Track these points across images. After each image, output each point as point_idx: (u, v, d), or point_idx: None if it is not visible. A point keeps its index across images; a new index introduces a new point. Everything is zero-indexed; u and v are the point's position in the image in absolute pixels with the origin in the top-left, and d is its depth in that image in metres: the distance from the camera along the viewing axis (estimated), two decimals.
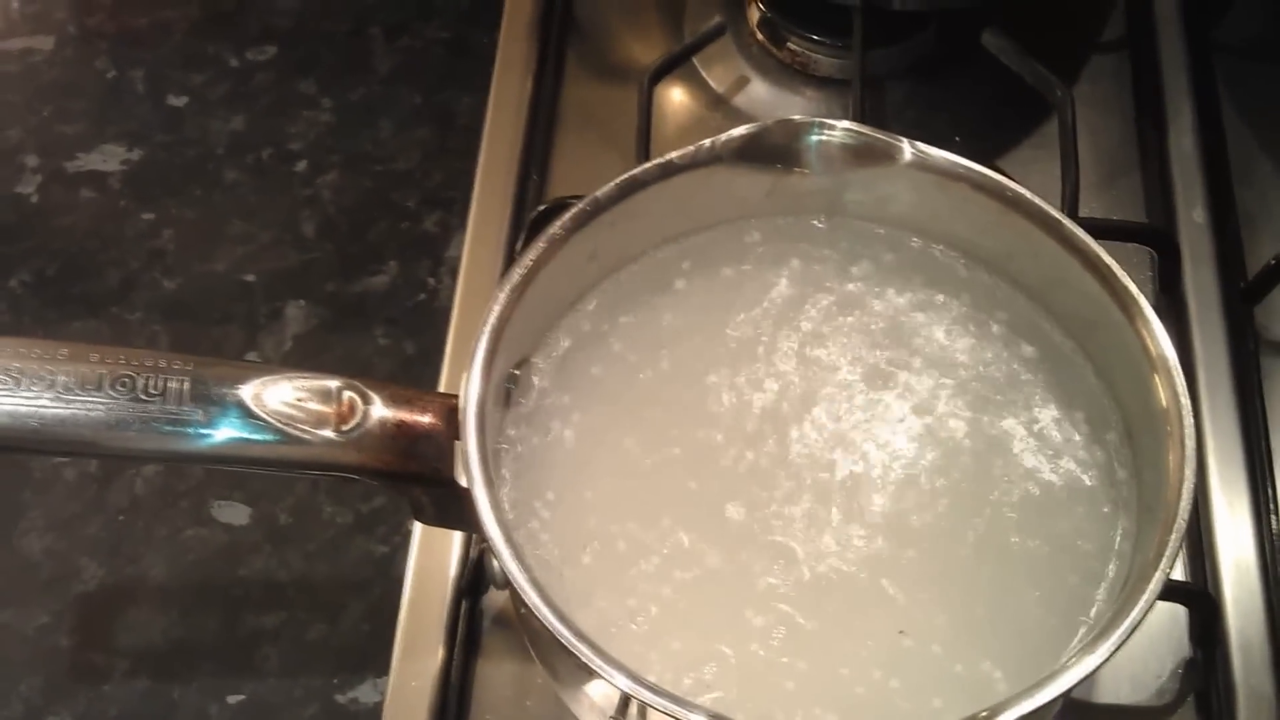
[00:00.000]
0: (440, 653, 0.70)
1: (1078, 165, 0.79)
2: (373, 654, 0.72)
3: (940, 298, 0.66)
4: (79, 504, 0.78)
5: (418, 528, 0.74)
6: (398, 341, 0.83)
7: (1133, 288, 0.58)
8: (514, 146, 0.87)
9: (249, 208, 0.89)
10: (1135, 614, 0.51)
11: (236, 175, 0.90)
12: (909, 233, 0.67)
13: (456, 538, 0.73)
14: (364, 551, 0.77)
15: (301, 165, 0.90)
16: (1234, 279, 0.80)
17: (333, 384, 0.57)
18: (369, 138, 0.92)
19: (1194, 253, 0.80)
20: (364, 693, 0.72)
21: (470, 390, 0.57)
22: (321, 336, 0.84)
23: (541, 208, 0.79)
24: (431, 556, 0.73)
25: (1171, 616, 0.72)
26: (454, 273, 0.83)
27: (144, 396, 0.54)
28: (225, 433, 0.55)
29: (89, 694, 0.73)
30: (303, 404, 0.56)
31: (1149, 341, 0.57)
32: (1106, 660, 0.50)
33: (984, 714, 0.49)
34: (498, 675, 0.72)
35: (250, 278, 0.86)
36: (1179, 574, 0.73)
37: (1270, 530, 0.72)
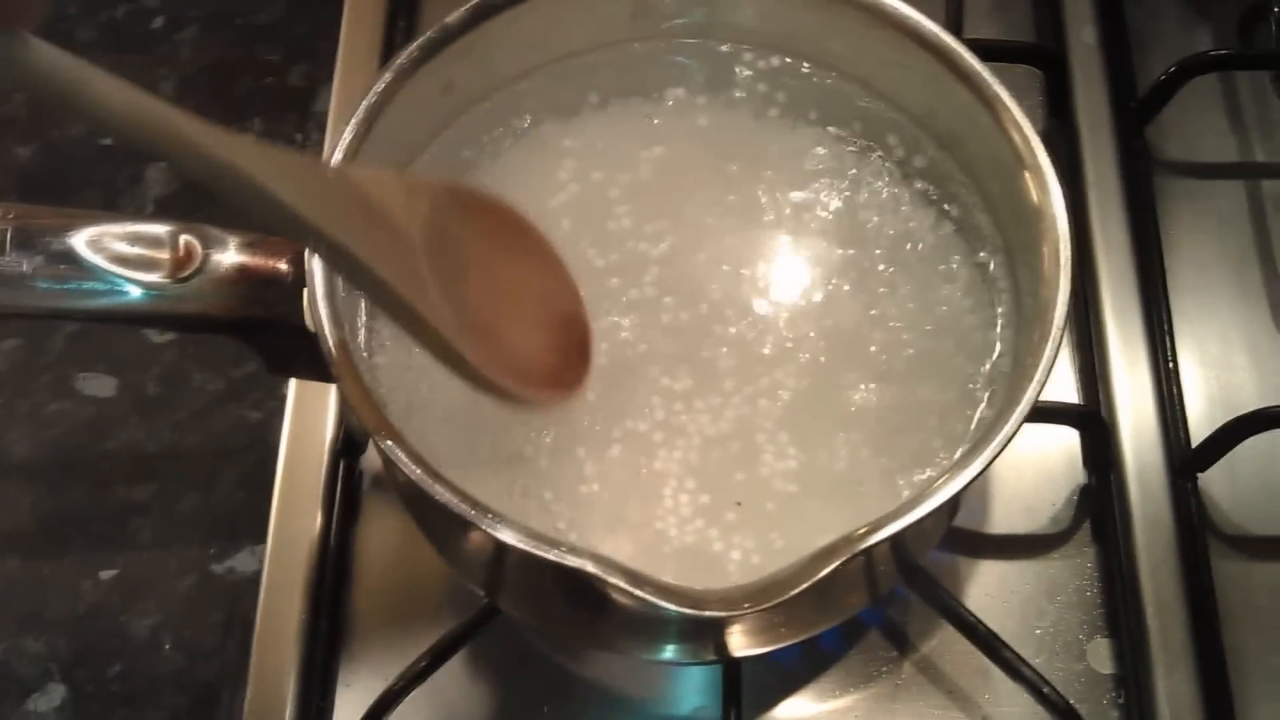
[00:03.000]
0: (319, 517, 0.68)
1: None
2: (249, 522, 0.70)
3: (814, 117, 0.64)
4: None
5: (292, 391, 0.71)
6: None
7: (1000, 89, 0.55)
8: None
9: (104, 68, 0.84)
10: (1009, 426, 0.49)
11: (90, 35, 0.85)
12: (779, 53, 0.63)
13: (332, 399, 0.71)
14: (236, 418, 0.74)
15: (158, 22, 0.86)
16: (1125, 99, 0.78)
17: (165, 230, 0.54)
18: None
19: (1084, 73, 0.78)
20: (241, 561, 0.70)
21: None
22: (185, 198, 0.80)
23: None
24: (306, 419, 0.70)
25: (1065, 443, 0.70)
26: (322, 127, 0.79)
27: None
28: (52, 284, 0.52)
29: None
30: (137, 251, 0.53)
31: (1017, 141, 0.54)
32: (979, 474, 0.48)
33: (861, 530, 0.47)
34: (378, 537, 0.70)
35: (107, 141, 0.81)
36: (1072, 397, 0.71)
37: (1165, 350, 0.70)
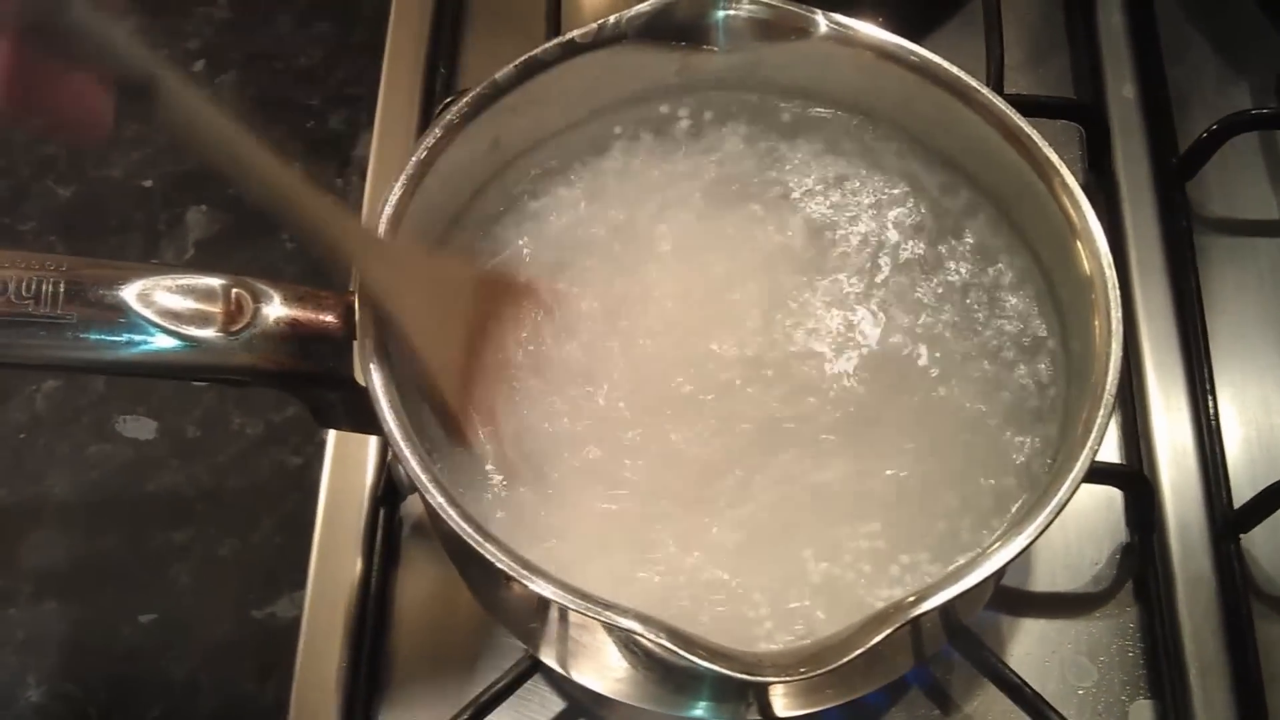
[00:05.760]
0: (358, 563, 0.68)
1: (1002, 41, 0.77)
2: (288, 567, 0.70)
3: (863, 172, 0.64)
4: None
5: (332, 435, 0.71)
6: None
7: (1052, 155, 0.55)
8: (420, 39, 0.83)
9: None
10: (1062, 494, 0.49)
11: None
12: (827, 108, 0.64)
13: (373, 444, 0.71)
14: (276, 462, 0.74)
15: (199, 65, 0.86)
16: (1165, 156, 0.78)
17: (218, 283, 0.54)
18: (268, 34, 0.87)
19: (1124, 129, 0.78)
20: (281, 607, 0.70)
21: None
22: (225, 242, 0.80)
23: (449, 101, 0.76)
24: (347, 465, 0.70)
25: (1108, 501, 0.70)
26: (362, 173, 0.80)
27: (15, 299, 0.51)
28: (104, 337, 0.52)
29: None
30: (189, 305, 0.53)
31: (1070, 209, 0.54)
32: (1032, 542, 0.48)
33: (910, 599, 0.47)
34: (418, 584, 0.70)
35: (148, 183, 0.82)
36: (1114, 456, 0.71)
37: (1207, 410, 0.70)
